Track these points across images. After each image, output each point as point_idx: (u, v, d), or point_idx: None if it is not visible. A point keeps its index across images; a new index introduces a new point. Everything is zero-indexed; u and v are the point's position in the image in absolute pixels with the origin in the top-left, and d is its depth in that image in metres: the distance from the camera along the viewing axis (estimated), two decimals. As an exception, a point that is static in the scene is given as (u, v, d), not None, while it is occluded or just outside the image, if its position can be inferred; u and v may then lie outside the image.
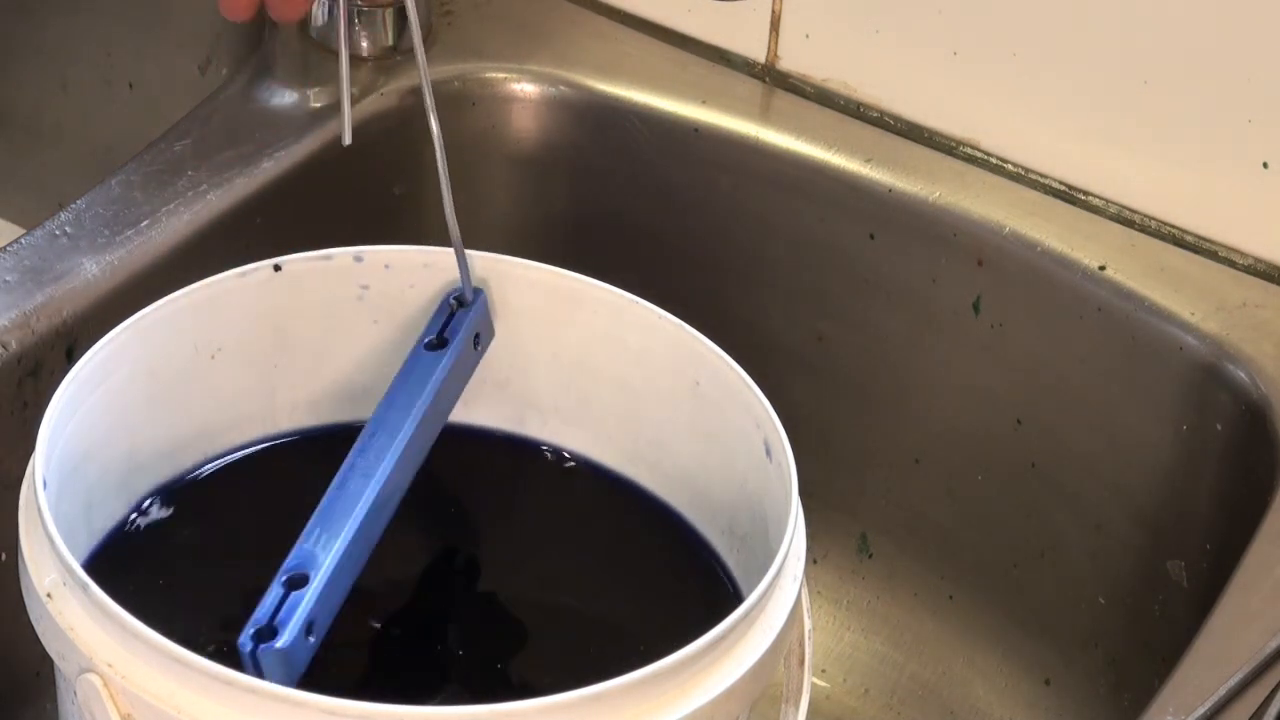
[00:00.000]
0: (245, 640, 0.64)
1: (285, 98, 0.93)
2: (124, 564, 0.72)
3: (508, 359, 0.79)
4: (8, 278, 0.82)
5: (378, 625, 0.73)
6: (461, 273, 0.76)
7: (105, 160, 0.99)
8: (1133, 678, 0.91)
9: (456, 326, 0.76)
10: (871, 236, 0.94)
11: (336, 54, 0.78)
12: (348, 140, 0.78)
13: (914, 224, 0.93)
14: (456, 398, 0.76)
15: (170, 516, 0.75)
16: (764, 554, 0.70)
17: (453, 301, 0.77)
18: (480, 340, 0.77)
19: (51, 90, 1.18)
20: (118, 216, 0.86)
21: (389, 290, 0.77)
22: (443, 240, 0.78)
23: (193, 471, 0.77)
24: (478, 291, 0.77)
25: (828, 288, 0.97)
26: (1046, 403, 0.92)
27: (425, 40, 0.99)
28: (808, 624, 0.71)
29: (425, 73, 0.76)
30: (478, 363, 0.77)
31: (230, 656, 0.63)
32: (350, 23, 0.77)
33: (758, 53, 0.99)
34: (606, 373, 0.78)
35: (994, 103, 0.94)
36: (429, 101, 0.75)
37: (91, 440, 0.71)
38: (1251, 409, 0.85)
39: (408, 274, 0.77)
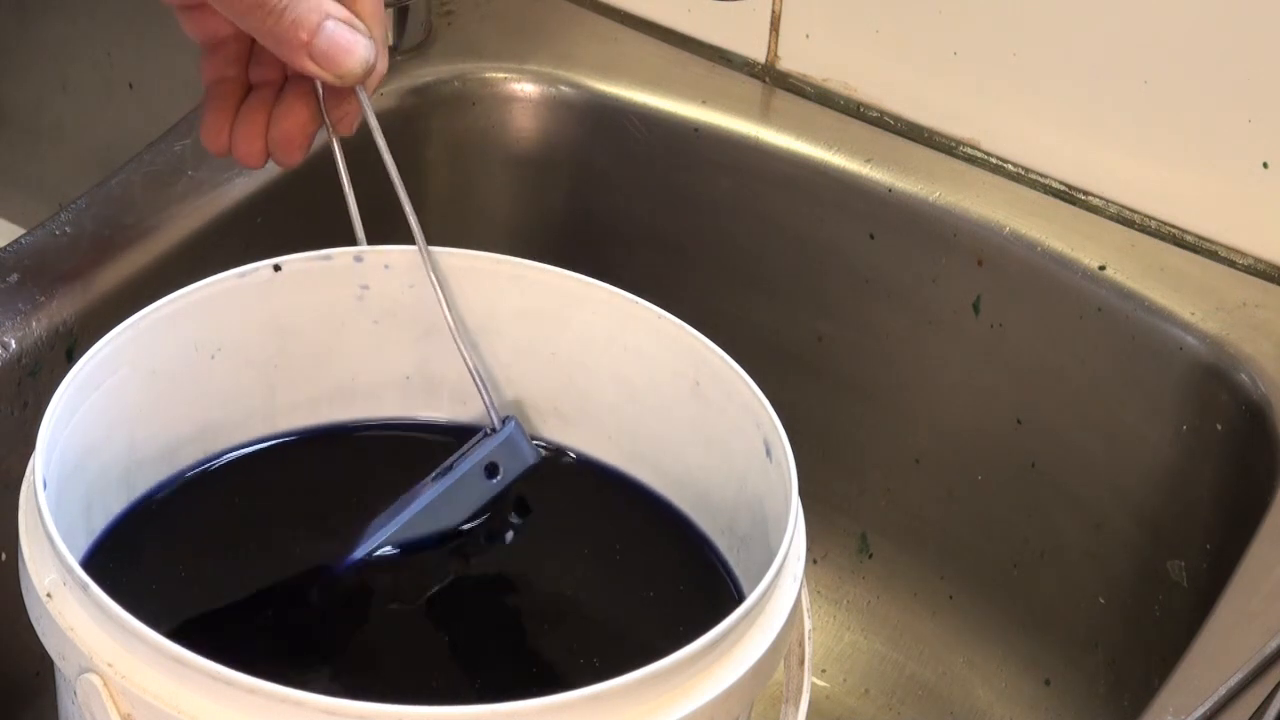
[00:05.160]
0: None
1: (285, 98, 0.93)
2: (124, 563, 0.72)
3: (507, 359, 0.79)
4: (8, 278, 0.82)
5: (376, 625, 0.73)
6: (485, 403, 0.76)
7: (105, 160, 0.99)
8: (1133, 678, 0.91)
9: (466, 456, 0.76)
10: (871, 236, 0.95)
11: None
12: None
13: (914, 224, 0.93)
14: (446, 523, 0.75)
15: (170, 516, 0.75)
16: (764, 554, 0.70)
17: (487, 430, 0.77)
18: (499, 471, 0.76)
19: (51, 90, 1.18)
20: (118, 216, 0.86)
21: (389, 290, 0.77)
22: (442, 241, 0.78)
23: (192, 471, 0.77)
24: (505, 420, 0.76)
25: (828, 288, 0.97)
26: (1046, 403, 0.93)
27: (425, 40, 0.99)
28: (808, 624, 0.71)
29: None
30: (492, 493, 0.76)
31: (230, 656, 0.63)
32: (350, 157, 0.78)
33: (758, 53, 0.99)
34: (606, 373, 0.78)
35: (994, 103, 0.94)
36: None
37: (91, 440, 0.71)
38: (1251, 409, 0.85)
39: (408, 274, 0.77)
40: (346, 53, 0.72)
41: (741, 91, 0.99)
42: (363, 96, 0.75)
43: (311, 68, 0.72)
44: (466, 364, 0.76)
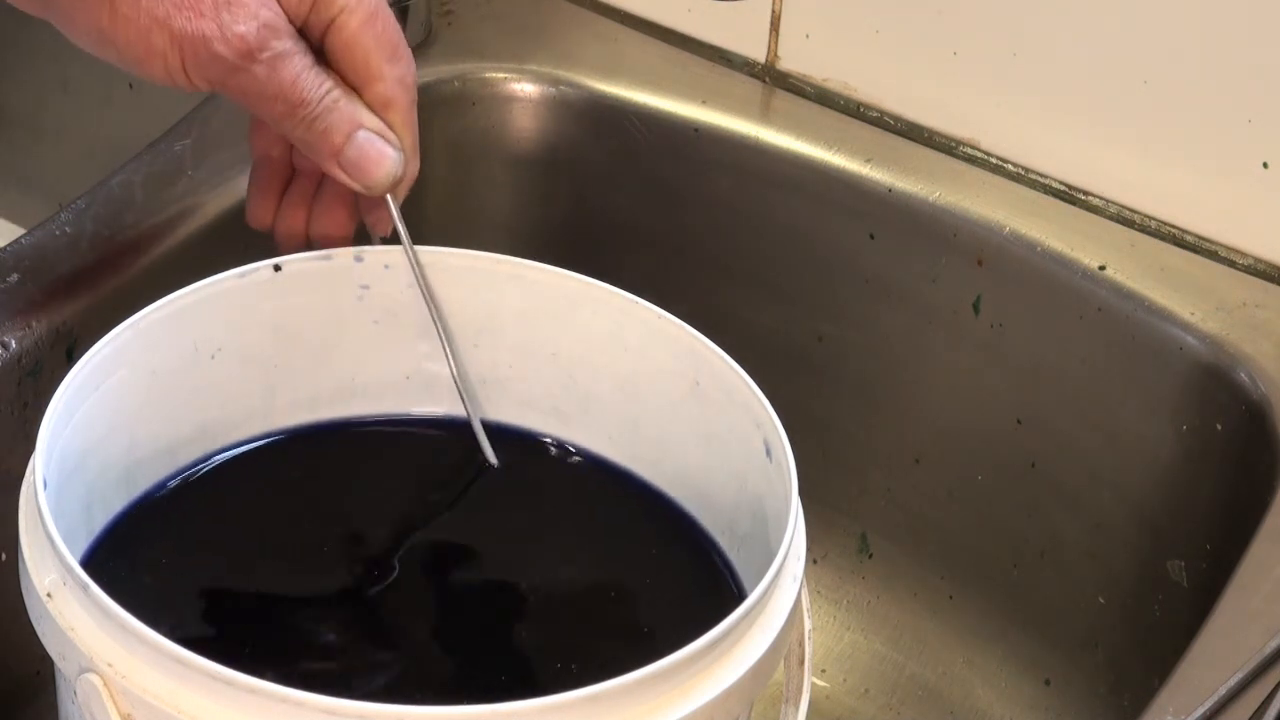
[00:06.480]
0: None
1: (285, 98, 0.93)
2: (124, 563, 0.72)
3: (507, 359, 0.79)
4: (8, 278, 0.82)
5: (375, 624, 0.73)
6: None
7: (105, 160, 0.99)
8: (1133, 678, 0.91)
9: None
10: (871, 236, 0.95)
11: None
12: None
13: (914, 224, 0.93)
14: None
15: (170, 516, 0.75)
16: (764, 554, 0.70)
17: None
18: None
19: (51, 90, 1.18)
20: (118, 216, 0.86)
21: (389, 290, 0.78)
22: (442, 241, 0.78)
23: (192, 471, 0.77)
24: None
25: (828, 288, 0.97)
26: (1046, 402, 0.93)
27: (425, 40, 0.99)
28: (808, 624, 0.71)
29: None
30: None
31: (230, 656, 0.63)
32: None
33: (758, 53, 0.99)
34: (607, 372, 0.78)
35: (994, 103, 0.94)
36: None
37: (91, 440, 0.71)
38: (1251, 409, 0.85)
39: (408, 274, 0.77)
40: (375, 164, 0.74)
41: (741, 91, 0.99)
42: (391, 204, 0.76)
43: (340, 176, 0.74)
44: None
